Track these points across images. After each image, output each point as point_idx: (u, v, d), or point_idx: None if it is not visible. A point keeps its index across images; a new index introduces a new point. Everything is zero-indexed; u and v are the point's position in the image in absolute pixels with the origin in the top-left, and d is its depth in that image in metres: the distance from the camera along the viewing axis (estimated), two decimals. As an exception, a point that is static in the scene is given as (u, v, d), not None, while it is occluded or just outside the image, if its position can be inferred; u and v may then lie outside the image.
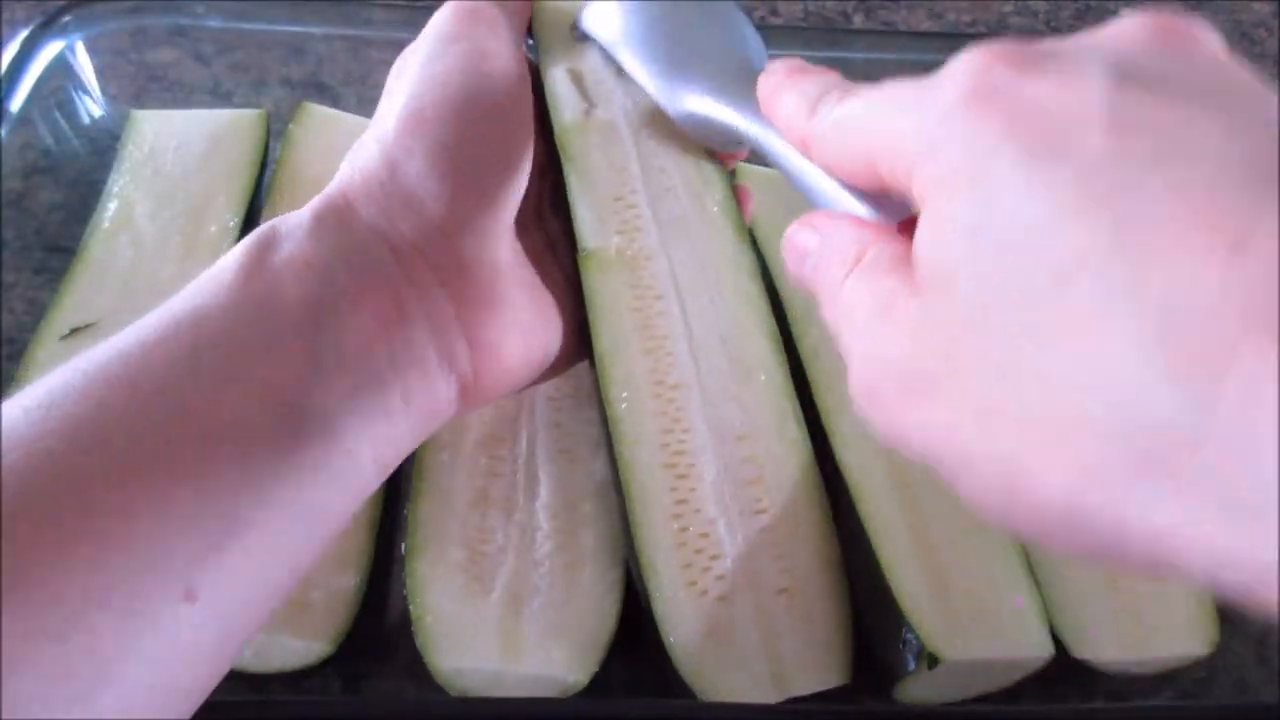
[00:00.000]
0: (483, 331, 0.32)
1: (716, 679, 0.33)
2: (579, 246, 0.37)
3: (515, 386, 0.34)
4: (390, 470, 0.30)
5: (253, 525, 0.25)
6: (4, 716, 0.21)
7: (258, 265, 0.28)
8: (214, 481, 0.25)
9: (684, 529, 0.35)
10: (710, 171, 0.40)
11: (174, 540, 0.24)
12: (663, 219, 0.39)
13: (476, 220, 0.31)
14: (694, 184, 0.40)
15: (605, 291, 0.37)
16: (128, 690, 0.23)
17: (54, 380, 0.25)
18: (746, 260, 0.40)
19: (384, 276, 0.29)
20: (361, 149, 0.32)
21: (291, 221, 0.30)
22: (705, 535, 0.35)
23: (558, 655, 0.35)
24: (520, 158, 0.33)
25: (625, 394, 0.36)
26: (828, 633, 0.35)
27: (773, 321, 0.39)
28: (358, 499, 0.29)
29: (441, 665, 0.35)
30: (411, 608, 0.36)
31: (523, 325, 0.33)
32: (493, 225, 0.32)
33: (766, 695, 0.34)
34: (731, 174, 0.42)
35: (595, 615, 0.36)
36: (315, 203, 0.30)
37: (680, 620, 0.34)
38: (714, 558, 0.35)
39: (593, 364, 0.37)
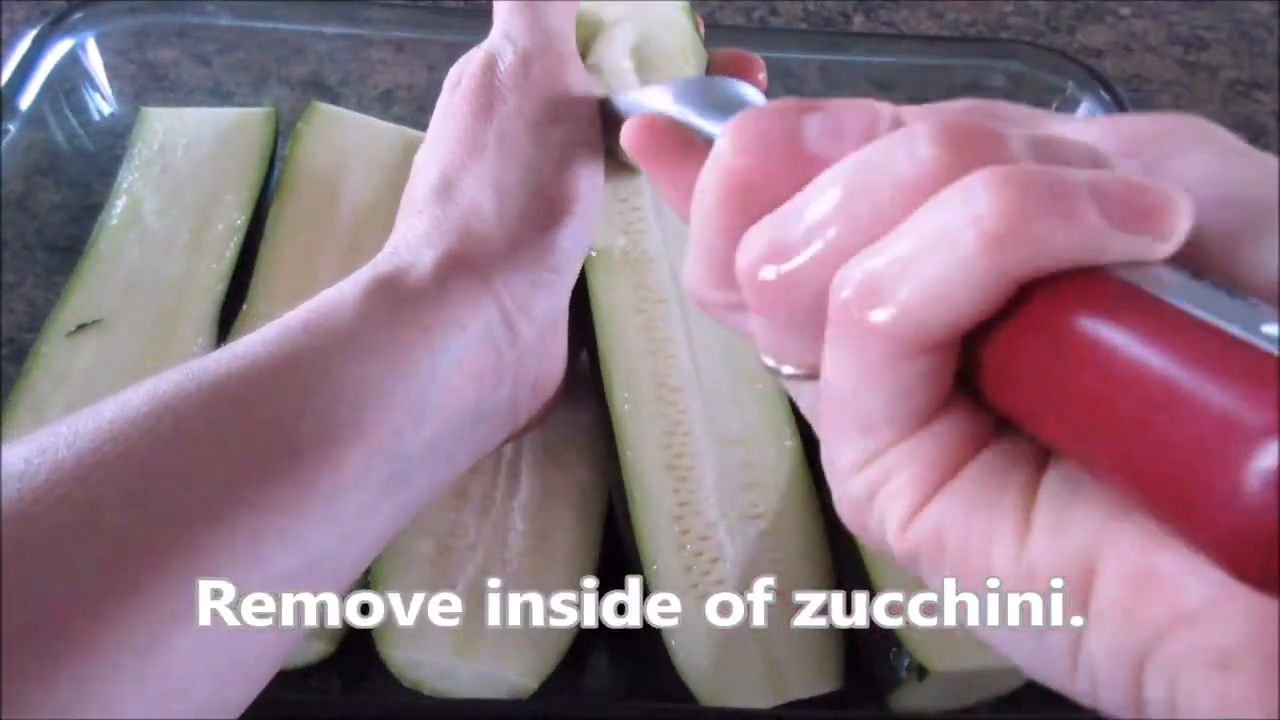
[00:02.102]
0: (547, 384, 0.33)
1: (716, 683, 0.33)
2: None
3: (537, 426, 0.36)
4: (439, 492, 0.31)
5: (329, 557, 0.26)
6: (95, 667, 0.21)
7: (379, 315, 0.28)
8: (304, 517, 0.25)
9: (685, 531, 0.35)
10: None
11: (256, 569, 0.24)
12: (666, 222, 0.39)
13: (568, 280, 0.33)
14: None
15: (610, 292, 0.37)
16: (194, 702, 0.23)
17: (162, 385, 0.25)
18: None
19: (491, 344, 0.30)
20: (476, 207, 0.31)
21: (415, 275, 0.30)
22: (706, 538, 0.35)
23: (512, 657, 0.35)
24: (598, 208, 0.34)
25: (628, 395, 0.36)
26: (821, 638, 0.35)
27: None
28: (407, 521, 0.30)
29: (395, 655, 0.35)
30: (373, 595, 0.35)
31: (563, 368, 0.35)
32: (573, 283, 0.33)
33: (764, 699, 0.34)
34: None
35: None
36: (439, 259, 0.30)
37: (682, 623, 0.34)
38: (714, 561, 0.35)
39: (594, 366, 0.37)
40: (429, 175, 0.32)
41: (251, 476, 0.24)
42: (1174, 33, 0.69)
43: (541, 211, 0.31)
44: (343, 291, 0.29)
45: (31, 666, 0.21)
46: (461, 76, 0.33)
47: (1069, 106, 0.53)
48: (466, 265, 0.30)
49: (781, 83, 0.39)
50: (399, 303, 0.29)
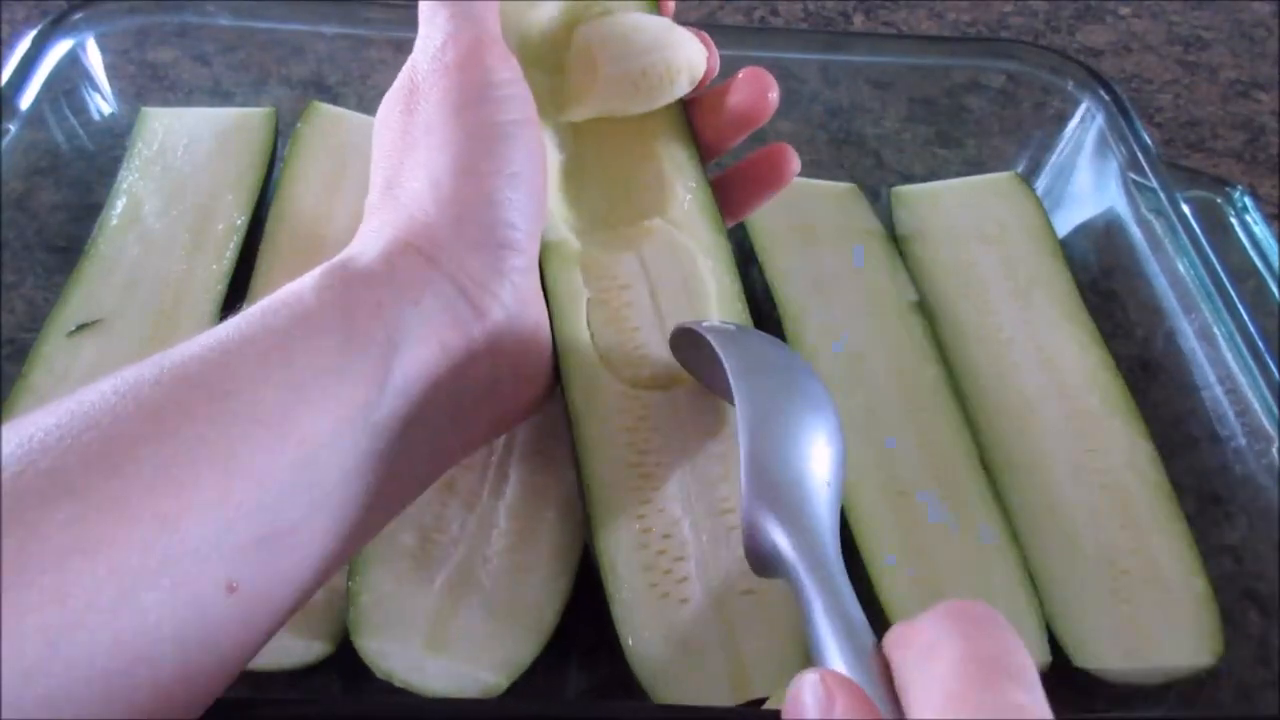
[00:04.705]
0: (533, 367, 0.34)
1: (673, 682, 0.33)
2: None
3: (531, 414, 0.36)
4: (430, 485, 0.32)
5: (300, 528, 0.27)
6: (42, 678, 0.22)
7: (331, 295, 0.29)
8: (272, 483, 0.26)
9: (646, 530, 0.34)
10: (683, 159, 0.39)
11: (225, 533, 0.25)
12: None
13: (527, 255, 0.33)
14: (663, 172, 0.39)
15: (567, 284, 0.37)
16: (163, 669, 0.24)
17: (129, 371, 0.26)
18: (723, 251, 0.38)
19: (454, 318, 0.31)
20: (416, 198, 0.32)
21: (364, 260, 0.31)
22: (668, 536, 0.34)
23: (483, 654, 0.35)
24: (544, 181, 0.34)
25: (585, 389, 0.36)
26: (792, 634, 0.34)
27: (748, 317, 0.38)
28: (396, 512, 0.31)
29: (367, 645, 0.34)
30: (350, 584, 0.35)
31: (550, 351, 0.35)
32: (535, 258, 0.34)
33: (724, 698, 0.33)
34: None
35: (530, 621, 0.36)
36: (386, 245, 0.31)
37: (639, 623, 0.33)
38: (677, 559, 0.34)
39: (557, 361, 0.36)
40: (375, 181, 0.34)
41: (216, 444, 0.25)
42: (1174, 33, 0.69)
43: (479, 191, 0.32)
44: (299, 282, 0.30)
45: (1, 618, 0.21)
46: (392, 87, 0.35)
47: (1069, 106, 0.53)
48: (412, 248, 0.31)
49: (782, 83, 0.39)
50: (349, 282, 0.30)
